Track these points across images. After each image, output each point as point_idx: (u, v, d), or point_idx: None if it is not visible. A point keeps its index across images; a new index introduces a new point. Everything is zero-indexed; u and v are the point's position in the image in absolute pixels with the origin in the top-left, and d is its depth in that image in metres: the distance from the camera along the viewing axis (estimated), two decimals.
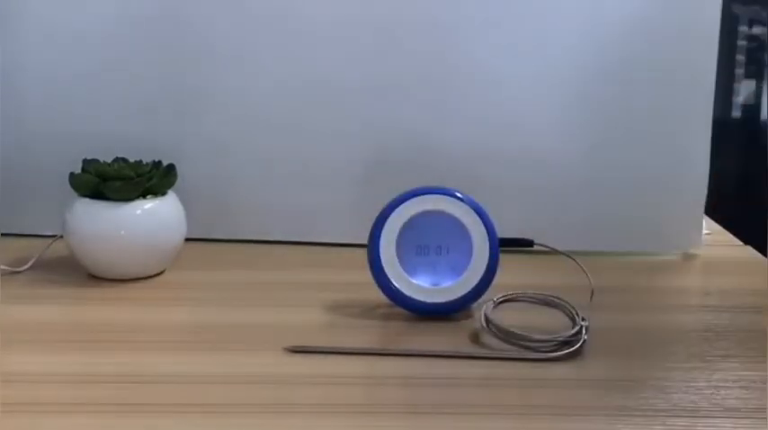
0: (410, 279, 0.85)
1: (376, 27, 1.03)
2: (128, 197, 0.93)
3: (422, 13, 1.03)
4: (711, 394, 0.72)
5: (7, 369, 0.73)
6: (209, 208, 1.06)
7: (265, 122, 1.05)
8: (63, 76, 1.05)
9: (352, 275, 0.88)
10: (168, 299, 0.91)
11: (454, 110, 1.05)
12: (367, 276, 0.86)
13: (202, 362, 0.76)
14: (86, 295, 0.91)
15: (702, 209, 1.06)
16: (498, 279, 0.85)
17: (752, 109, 2.64)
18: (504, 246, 0.86)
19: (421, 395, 0.72)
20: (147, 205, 0.94)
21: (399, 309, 0.85)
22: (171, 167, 0.97)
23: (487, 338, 0.80)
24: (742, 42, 2.62)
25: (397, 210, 0.86)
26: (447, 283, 0.85)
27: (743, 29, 2.63)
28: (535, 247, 0.94)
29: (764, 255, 1.05)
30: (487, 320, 0.81)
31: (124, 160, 0.97)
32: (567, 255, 0.93)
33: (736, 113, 2.66)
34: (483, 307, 0.83)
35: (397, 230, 0.85)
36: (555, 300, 0.88)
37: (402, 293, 0.85)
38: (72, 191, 0.94)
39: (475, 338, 0.81)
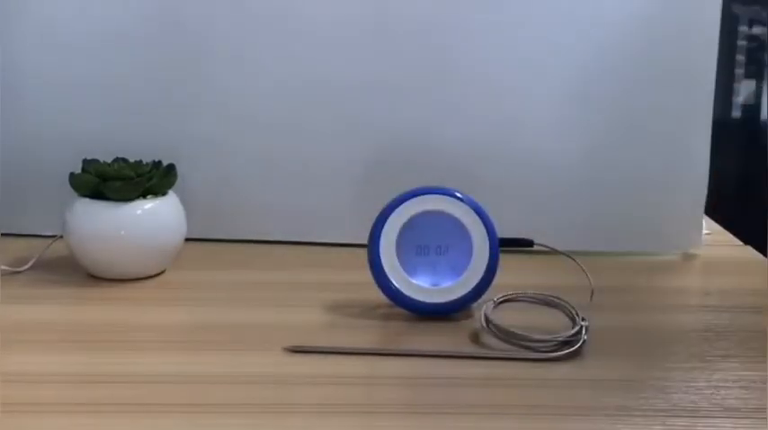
0: (410, 279, 0.85)
1: (376, 27, 1.03)
2: (128, 197, 0.93)
3: (422, 13, 1.03)
4: (711, 394, 0.72)
5: (7, 369, 0.73)
6: (209, 208, 1.06)
7: (265, 122, 1.05)
8: (63, 77, 1.05)
9: (352, 275, 0.88)
10: (168, 299, 0.91)
11: (454, 110, 1.05)
12: (367, 276, 0.86)
13: (202, 362, 0.76)
14: (86, 295, 0.91)
15: (702, 209, 1.06)
16: (498, 279, 0.86)
17: (752, 109, 2.64)
18: (504, 246, 0.86)
19: (421, 395, 0.72)
20: (147, 205, 0.94)
21: (399, 309, 0.85)
22: (171, 167, 0.97)
23: (487, 338, 0.80)
24: (742, 42, 2.62)
25: (397, 210, 0.86)
26: (447, 283, 0.85)
27: (743, 29, 2.63)
28: (535, 247, 0.94)
29: (764, 255, 1.05)
30: (487, 320, 0.81)
31: (124, 160, 0.97)
32: (567, 255, 0.93)
33: (736, 113, 2.66)
34: (483, 307, 0.83)
35: (397, 230, 0.85)
36: (555, 300, 0.88)
37: (402, 293, 0.85)
38: (72, 191, 0.94)
39: (475, 338, 0.81)
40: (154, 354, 0.78)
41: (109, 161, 0.97)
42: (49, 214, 0.97)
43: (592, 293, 0.89)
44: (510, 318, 0.82)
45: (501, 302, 0.87)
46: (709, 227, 1.11)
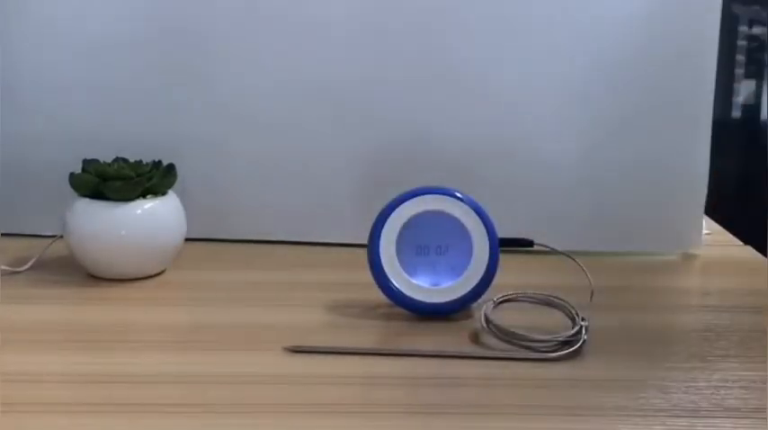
0: (410, 279, 0.85)
1: (376, 27, 1.03)
2: (128, 197, 0.93)
3: (422, 13, 1.03)
4: (711, 394, 0.72)
5: (7, 369, 0.73)
6: (209, 208, 1.06)
7: (265, 122, 1.05)
8: (63, 77, 1.05)
9: (352, 275, 0.88)
10: (168, 299, 0.91)
11: (454, 110, 1.05)
12: (367, 276, 0.86)
13: (202, 362, 0.76)
14: (86, 295, 0.91)
15: (702, 209, 1.06)
16: (498, 279, 0.86)
17: (752, 109, 2.65)
18: (504, 246, 0.86)
19: (421, 395, 0.72)
20: (147, 205, 0.94)
21: (399, 309, 0.85)
22: (171, 167, 0.97)
23: (487, 338, 0.80)
24: (742, 42, 2.63)
25: (397, 210, 0.86)
26: (447, 283, 0.85)
27: (743, 29, 2.63)
28: (535, 247, 0.94)
29: (764, 255, 1.05)
30: (487, 320, 0.81)
31: (124, 160, 0.97)
32: (567, 255, 0.93)
33: (736, 113, 2.67)
34: (483, 307, 0.83)
35: (397, 230, 0.85)
36: (555, 300, 0.88)
37: (402, 293, 0.85)
38: (72, 191, 0.94)
39: (475, 338, 0.81)
40: (154, 354, 0.78)
41: (109, 161, 0.97)
42: (49, 214, 0.97)
43: (592, 293, 0.89)
44: (510, 317, 0.82)
45: (501, 302, 0.87)
46: (709, 227, 1.11)
